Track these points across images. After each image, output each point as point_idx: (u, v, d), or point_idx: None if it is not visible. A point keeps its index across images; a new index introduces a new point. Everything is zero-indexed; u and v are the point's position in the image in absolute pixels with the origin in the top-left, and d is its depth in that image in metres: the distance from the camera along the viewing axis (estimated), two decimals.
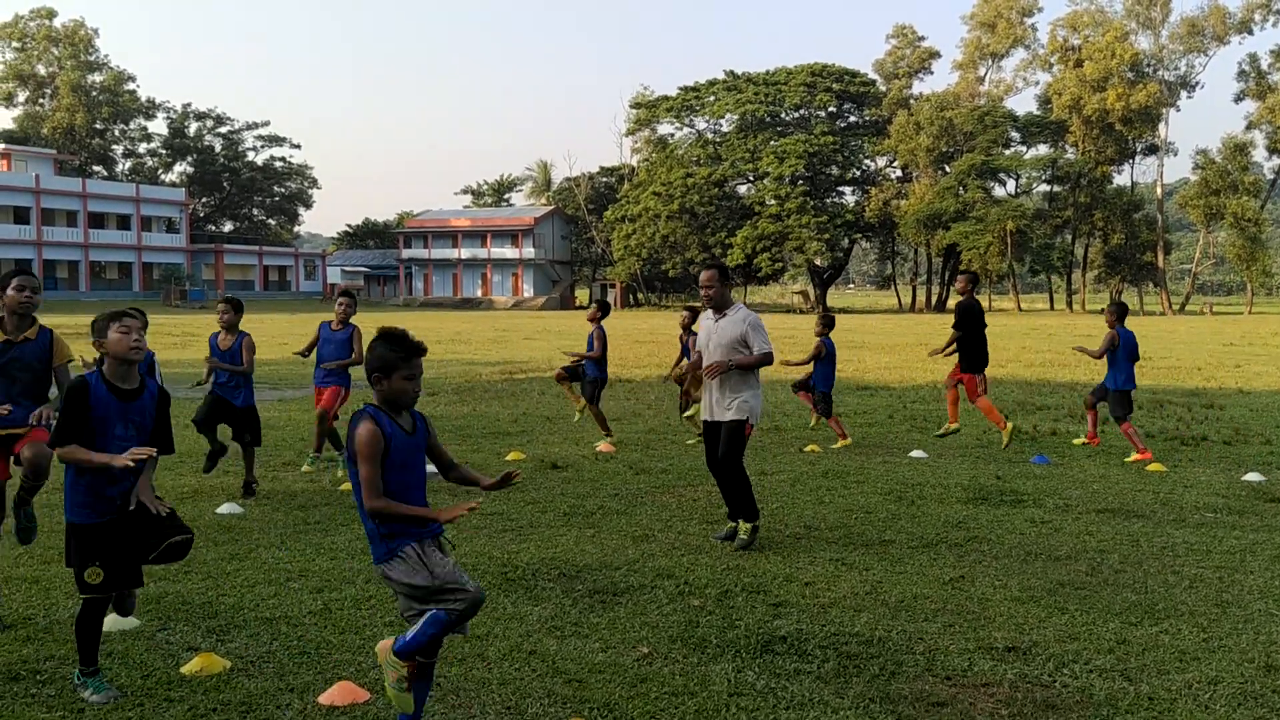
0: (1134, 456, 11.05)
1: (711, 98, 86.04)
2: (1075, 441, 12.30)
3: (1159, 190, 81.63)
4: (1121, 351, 11.52)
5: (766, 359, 7.53)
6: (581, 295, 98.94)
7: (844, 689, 4.78)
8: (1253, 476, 10.00)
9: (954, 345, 11.84)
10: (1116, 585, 6.42)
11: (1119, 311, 11.91)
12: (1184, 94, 78.81)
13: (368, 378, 4.20)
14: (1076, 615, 5.84)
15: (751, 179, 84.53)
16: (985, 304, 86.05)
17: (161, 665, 5.00)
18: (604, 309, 12.41)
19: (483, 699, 4.63)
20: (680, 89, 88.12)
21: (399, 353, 4.10)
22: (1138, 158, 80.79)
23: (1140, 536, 7.66)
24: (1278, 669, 5.01)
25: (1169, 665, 5.08)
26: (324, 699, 4.57)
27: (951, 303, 77.42)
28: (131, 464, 4.40)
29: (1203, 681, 4.87)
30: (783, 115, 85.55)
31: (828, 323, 12.68)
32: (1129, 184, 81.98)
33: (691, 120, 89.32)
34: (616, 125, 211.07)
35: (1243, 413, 15.20)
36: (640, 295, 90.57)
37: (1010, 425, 11.84)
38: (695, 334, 12.45)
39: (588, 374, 12.22)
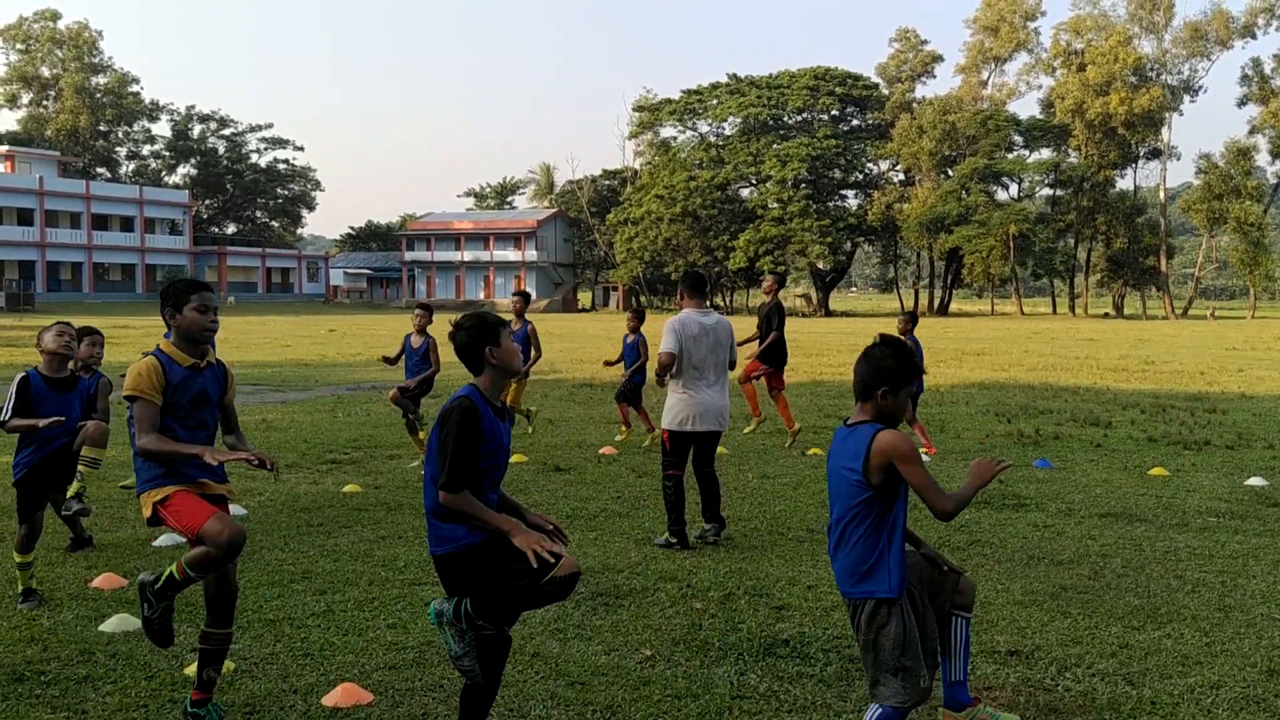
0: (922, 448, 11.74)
1: (714, 101, 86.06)
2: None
3: (1162, 194, 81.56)
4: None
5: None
6: (584, 298, 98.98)
7: (846, 692, 4.78)
8: (1255, 481, 9.99)
9: (760, 344, 12.24)
10: (1119, 589, 6.42)
11: (910, 320, 12.21)
12: (1187, 98, 78.80)
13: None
14: (1079, 619, 5.84)
15: (754, 182, 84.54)
16: (988, 308, 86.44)
17: (165, 666, 5.01)
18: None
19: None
20: (683, 92, 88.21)
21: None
22: (1140, 162, 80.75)
23: (1143, 541, 7.66)
24: None
25: (1171, 669, 5.08)
26: (327, 700, 4.59)
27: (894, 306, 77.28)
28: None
29: (1205, 686, 4.87)
30: (785, 118, 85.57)
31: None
32: (1132, 188, 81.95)
33: (694, 123, 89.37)
34: (619, 128, 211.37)
35: (1245, 417, 15.19)
36: (642, 298, 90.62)
37: (797, 426, 12.42)
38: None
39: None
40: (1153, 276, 79.31)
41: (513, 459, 11.10)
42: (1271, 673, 5.02)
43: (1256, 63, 76.63)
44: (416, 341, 10.94)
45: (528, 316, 12.75)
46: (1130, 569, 6.88)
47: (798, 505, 8.90)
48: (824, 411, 15.66)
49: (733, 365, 7.85)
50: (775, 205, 79.64)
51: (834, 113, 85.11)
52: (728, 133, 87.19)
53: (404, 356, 11.10)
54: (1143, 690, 4.81)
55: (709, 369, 7.55)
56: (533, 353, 12.60)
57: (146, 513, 4.40)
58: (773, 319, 12.18)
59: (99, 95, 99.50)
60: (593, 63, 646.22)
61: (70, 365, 6.45)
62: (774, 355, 12.22)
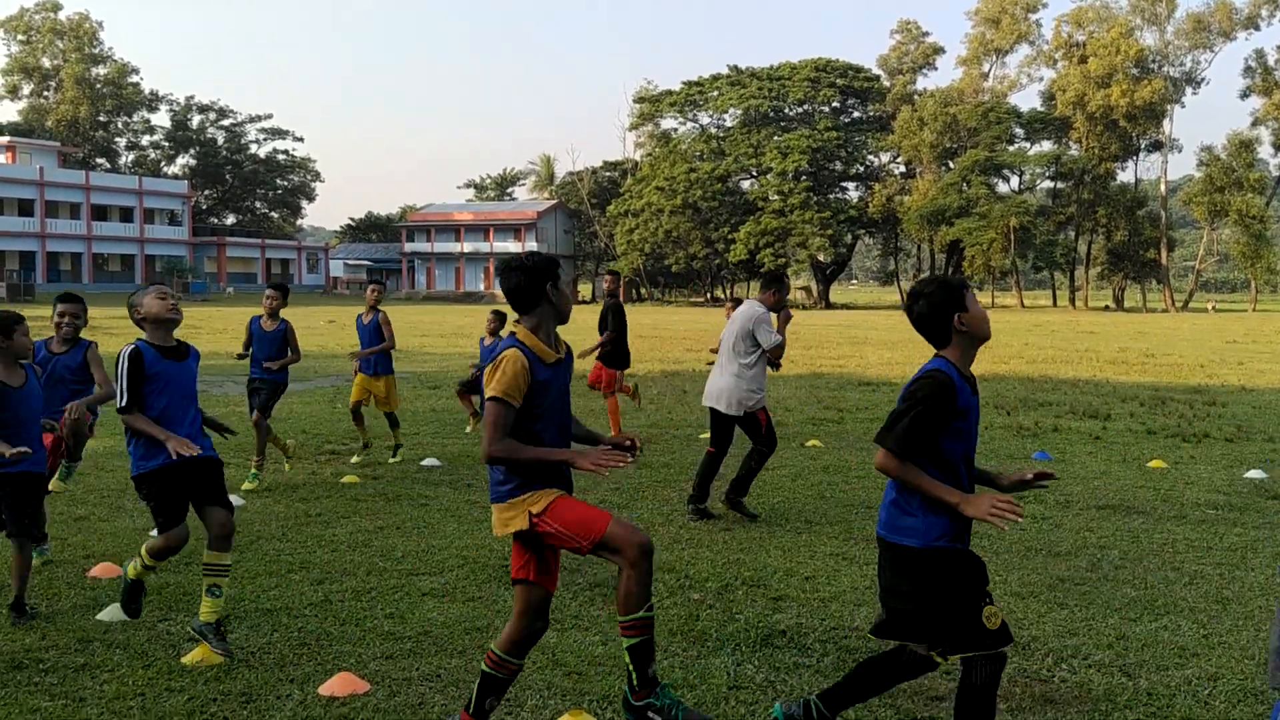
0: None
1: (715, 93, 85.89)
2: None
3: (1163, 187, 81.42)
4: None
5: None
6: (584, 289, 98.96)
7: None
8: (1254, 474, 9.99)
9: (601, 346, 11.94)
10: (1116, 581, 6.42)
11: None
12: (1189, 90, 78.52)
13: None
14: (1076, 611, 5.84)
15: (755, 174, 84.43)
16: (988, 300, 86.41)
17: (163, 655, 5.01)
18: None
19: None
20: (684, 84, 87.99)
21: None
22: (1142, 154, 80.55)
23: (1141, 533, 7.66)
24: None
25: (1168, 661, 5.08)
26: (324, 690, 4.59)
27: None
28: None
29: (1202, 678, 4.87)
30: (786, 110, 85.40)
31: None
32: (1133, 181, 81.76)
33: (695, 115, 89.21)
34: (620, 119, 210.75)
35: (1245, 410, 15.18)
36: (643, 290, 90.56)
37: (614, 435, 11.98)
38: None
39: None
40: (1153, 269, 79.23)
41: None
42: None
43: (1260, 54, 76.41)
44: (269, 325, 9.40)
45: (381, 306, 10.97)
46: (1128, 561, 6.88)
47: (796, 497, 8.90)
48: (823, 404, 15.66)
49: (777, 351, 8.16)
50: (776, 197, 79.56)
51: (835, 105, 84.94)
52: (728, 124, 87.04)
53: (252, 344, 9.53)
54: (1139, 681, 4.82)
55: (723, 352, 8.28)
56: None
57: (512, 528, 3.86)
58: (608, 319, 11.93)
59: (99, 86, 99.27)
60: (594, 54, 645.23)
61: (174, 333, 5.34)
62: (615, 356, 11.94)
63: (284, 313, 9.69)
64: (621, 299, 12.27)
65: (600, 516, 3.84)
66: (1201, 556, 7.01)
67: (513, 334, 3.92)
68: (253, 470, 9.15)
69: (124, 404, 5.01)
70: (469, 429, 12.71)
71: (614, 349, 11.92)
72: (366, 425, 10.72)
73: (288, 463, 9.85)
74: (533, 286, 3.88)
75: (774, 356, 8.19)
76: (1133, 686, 4.76)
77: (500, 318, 12.06)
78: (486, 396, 3.81)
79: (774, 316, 8.23)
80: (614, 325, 11.85)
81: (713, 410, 8.29)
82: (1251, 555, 7.04)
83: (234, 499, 8.41)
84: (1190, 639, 5.39)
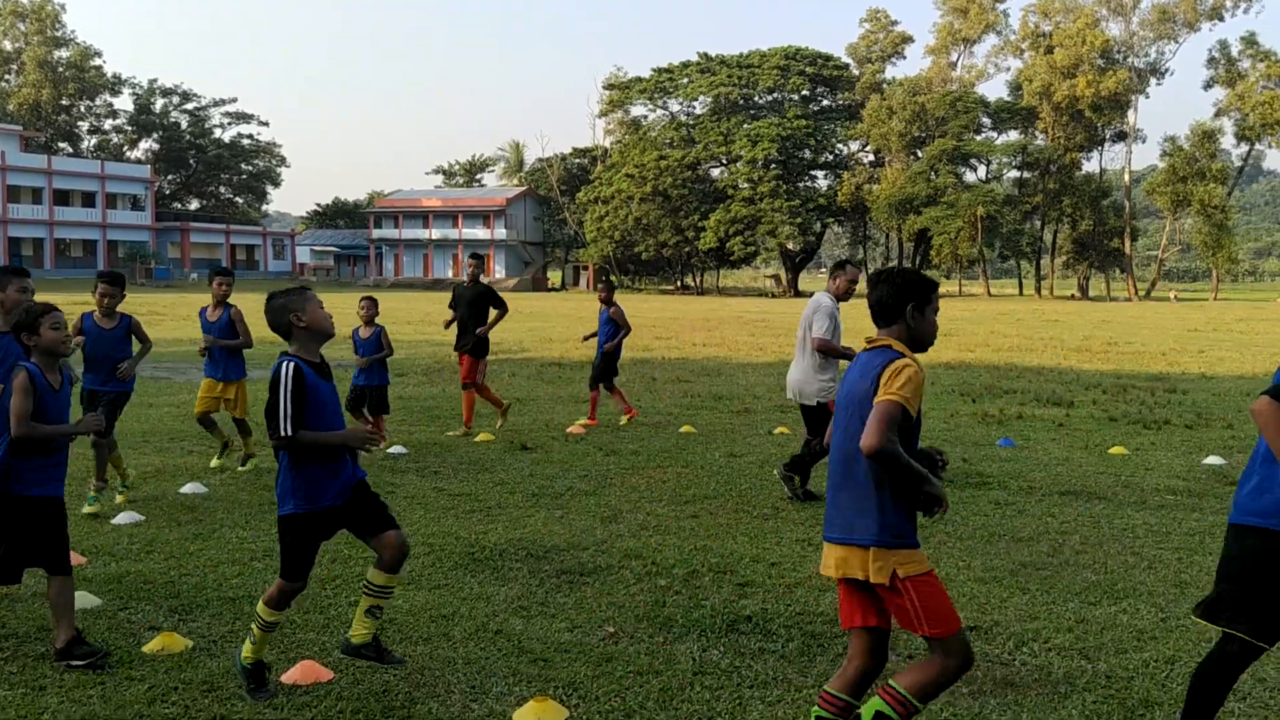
0: (584, 421, 12.07)
1: (685, 80, 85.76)
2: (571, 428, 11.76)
3: (1127, 177, 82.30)
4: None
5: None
6: (554, 277, 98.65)
7: (808, 668, 4.82)
8: (1213, 460, 10.14)
9: (480, 331, 11.56)
10: (1077, 566, 6.50)
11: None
12: (1154, 81, 79.44)
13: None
14: (1037, 595, 5.91)
15: (724, 162, 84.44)
16: (955, 289, 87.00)
17: (123, 644, 4.96)
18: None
19: (448, 678, 4.63)
20: (654, 70, 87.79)
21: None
22: (1107, 144, 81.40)
23: (1101, 518, 7.76)
24: None
25: (1127, 644, 5.15)
26: (286, 678, 4.56)
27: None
28: None
29: (1160, 660, 4.94)
30: (756, 98, 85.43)
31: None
32: (1098, 171, 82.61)
33: (665, 102, 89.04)
34: (589, 106, 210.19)
35: (1205, 397, 15.40)
36: (613, 278, 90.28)
37: (463, 429, 11.33)
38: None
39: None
40: (1117, 258, 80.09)
41: (479, 438, 11.07)
42: None
43: (1223, 45, 77.32)
44: (106, 324, 7.88)
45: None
46: (1088, 546, 6.97)
47: (763, 483, 8.93)
48: None
49: (818, 344, 8.20)
50: (745, 185, 79.63)
51: (804, 93, 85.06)
52: (698, 112, 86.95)
53: (87, 345, 8.05)
54: (1098, 664, 4.88)
55: (798, 345, 8.55)
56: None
57: (885, 577, 3.54)
58: (487, 302, 11.64)
59: (61, 69, 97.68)
60: (563, 40, 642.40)
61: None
62: (480, 344, 11.60)
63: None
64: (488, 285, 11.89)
65: (955, 614, 3.62)
66: (1160, 541, 7.11)
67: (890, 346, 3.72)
68: (91, 493, 7.72)
69: (288, 431, 4.26)
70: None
71: (478, 335, 11.53)
72: (220, 428, 9.56)
73: (121, 494, 7.97)
74: (897, 302, 3.77)
75: (822, 349, 8.16)
76: (1092, 669, 4.82)
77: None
78: (890, 397, 3.53)
79: (835, 307, 8.30)
80: (497, 305, 11.68)
81: (800, 404, 8.56)
82: (1209, 540, 7.14)
83: (197, 486, 8.36)
84: (1148, 622, 5.47)
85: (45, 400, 4.77)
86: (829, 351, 8.19)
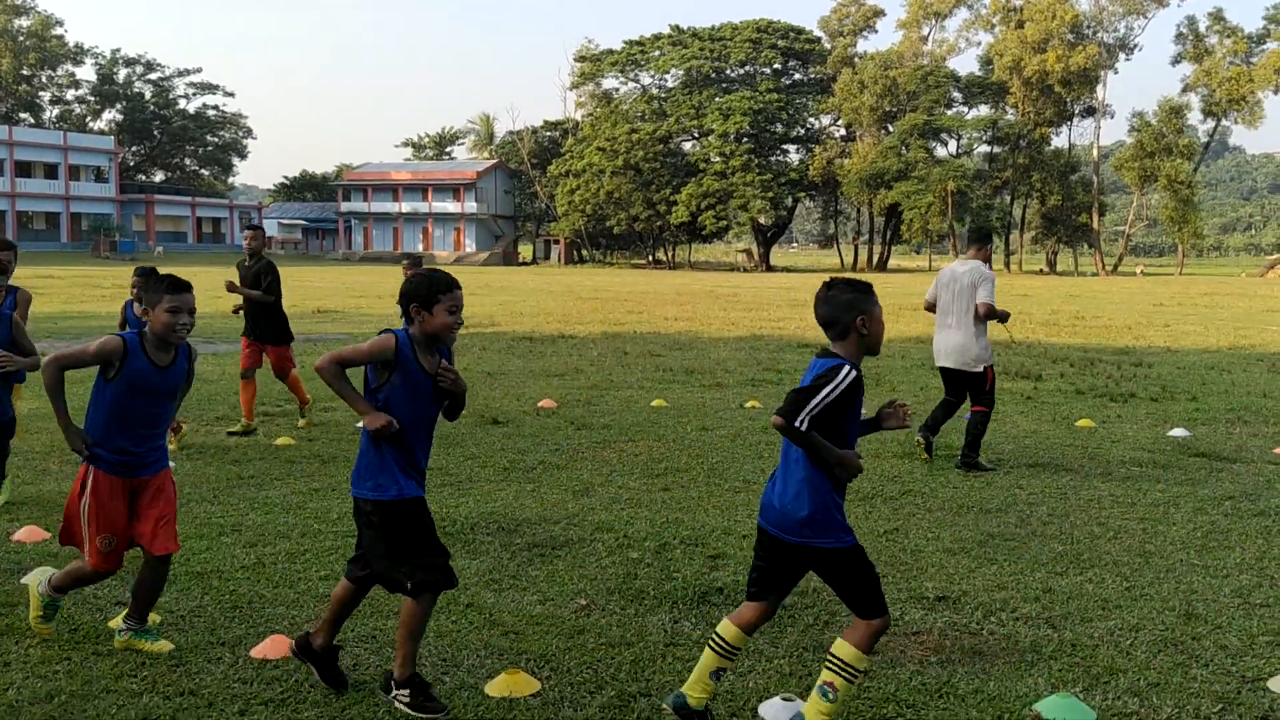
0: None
1: (657, 52, 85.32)
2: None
3: (1095, 152, 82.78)
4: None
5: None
6: (525, 251, 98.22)
7: (778, 639, 4.84)
8: (1178, 432, 10.26)
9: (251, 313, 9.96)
10: (1044, 536, 6.57)
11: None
12: (1122, 56, 79.70)
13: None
14: (1005, 565, 5.97)
15: (696, 136, 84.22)
16: (926, 264, 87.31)
17: (89, 619, 4.92)
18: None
19: (419, 651, 4.61)
20: (625, 43, 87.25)
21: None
22: (1076, 120, 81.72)
23: (1068, 489, 7.84)
24: (1197, 617, 5.17)
25: (1092, 613, 5.22)
26: (256, 652, 4.54)
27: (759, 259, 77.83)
28: None
29: (1125, 629, 5.01)
30: (728, 71, 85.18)
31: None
32: (1067, 146, 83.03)
33: (636, 75, 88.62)
34: (560, 79, 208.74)
35: (1170, 370, 15.57)
36: (585, 251, 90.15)
37: (307, 420, 10.17)
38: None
39: None
40: (1085, 234, 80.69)
41: (279, 441, 10.97)
42: (1189, 616, 5.18)
43: (1192, 20, 77.88)
44: None
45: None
46: (1055, 517, 7.04)
47: (735, 457, 8.96)
48: (762, 365, 15.76)
49: (982, 311, 8.59)
50: (717, 159, 79.48)
51: (776, 66, 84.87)
52: (670, 85, 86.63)
53: None
54: (1064, 633, 4.94)
55: (950, 313, 8.76)
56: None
57: None
58: (262, 280, 9.81)
59: (22, 38, 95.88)
60: (533, 12, 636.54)
61: None
62: (272, 328, 9.93)
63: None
64: (269, 259, 10.04)
65: None
66: (1126, 512, 7.19)
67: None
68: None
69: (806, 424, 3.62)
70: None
71: (269, 315, 9.94)
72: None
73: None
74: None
75: (985, 314, 8.59)
76: (1058, 638, 4.88)
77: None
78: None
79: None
80: (267, 286, 9.82)
81: (944, 369, 8.86)
82: (1173, 510, 7.24)
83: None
84: (1113, 592, 5.54)
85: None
86: (993, 316, 8.61)
